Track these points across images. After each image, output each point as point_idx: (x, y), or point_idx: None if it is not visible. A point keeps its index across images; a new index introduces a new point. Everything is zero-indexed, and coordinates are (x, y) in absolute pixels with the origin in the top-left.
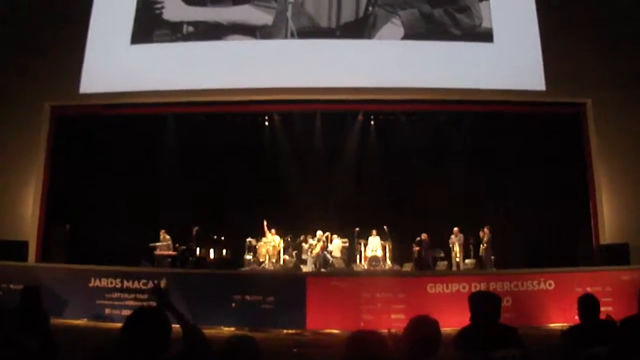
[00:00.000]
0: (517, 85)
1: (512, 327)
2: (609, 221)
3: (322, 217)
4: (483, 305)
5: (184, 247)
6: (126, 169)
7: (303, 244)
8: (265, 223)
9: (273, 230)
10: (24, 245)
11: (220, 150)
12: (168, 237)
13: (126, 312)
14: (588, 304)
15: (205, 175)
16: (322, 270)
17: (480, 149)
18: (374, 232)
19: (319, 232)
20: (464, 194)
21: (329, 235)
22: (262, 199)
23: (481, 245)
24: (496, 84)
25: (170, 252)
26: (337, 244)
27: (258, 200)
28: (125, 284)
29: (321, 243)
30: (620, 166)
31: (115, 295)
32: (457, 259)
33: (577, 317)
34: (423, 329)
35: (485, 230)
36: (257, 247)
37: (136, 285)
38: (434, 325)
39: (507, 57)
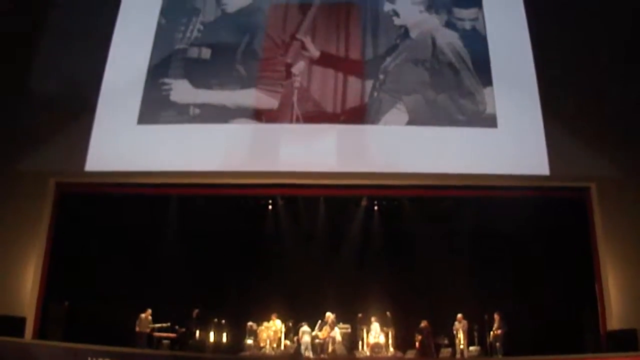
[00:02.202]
0: (521, 170)
1: None
2: (616, 306)
3: (324, 303)
4: None
5: (184, 329)
6: (128, 248)
7: (303, 329)
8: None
9: (274, 315)
10: (22, 321)
11: (223, 233)
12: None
13: None
14: None
15: (208, 257)
16: (324, 356)
17: (483, 233)
18: (373, 318)
19: (329, 314)
20: (468, 279)
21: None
22: (263, 283)
23: (492, 332)
24: (500, 169)
25: (170, 335)
26: (337, 330)
27: (260, 284)
28: None
29: (329, 327)
30: (626, 250)
31: None
32: (462, 346)
33: None
34: None
35: (496, 316)
36: (258, 331)
37: None
38: None
39: (511, 143)
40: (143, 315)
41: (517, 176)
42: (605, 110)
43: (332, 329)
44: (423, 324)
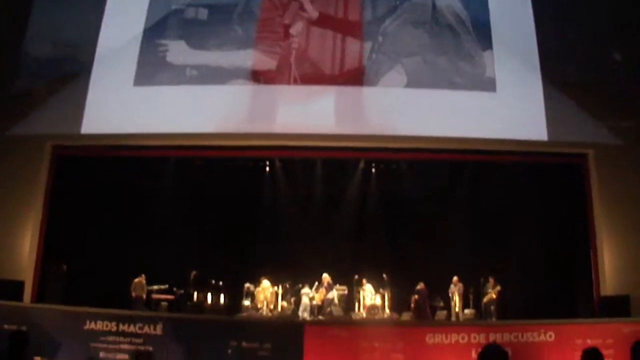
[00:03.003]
0: (519, 134)
1: None
2: (610, 272)
3: (321, 264)
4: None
5: (182, 291)
6: (126, 211)
7: (303, 291)
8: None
9: (264, 278)
10: (20, 285)
11: (221, 195)
12: (142, 280)
13: (121, 357)
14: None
15: (205, 219)
16: (320, 318)
17: (480, 198)
18: (364, 280)
19: (325, 275)
20: (464, 243)
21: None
22: (261, 245)
23: (486, 296)
24: (498, 133)
25: (168, 297)
26: (334, 292)
27: (257, 246)
28: (121, 327)
29: (324, 290)
30: (621, 217)
31: (111, 338)
32: (457, 309)
33: None
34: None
35: (491, 280)
36: (255, 293)
37: (132, 329)
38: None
39: (510, 107)
40: (137, 280)
41: (515, 141)
42: (605, 77)
43: (328, 290)
44: (419, 286)
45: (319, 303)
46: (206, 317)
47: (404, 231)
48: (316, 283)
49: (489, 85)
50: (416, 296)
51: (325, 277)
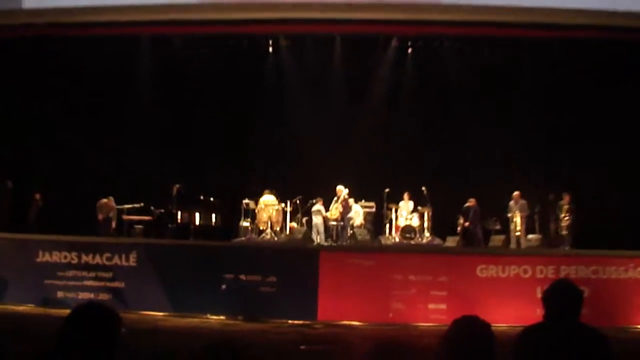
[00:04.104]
0: (605, 4)
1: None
2: None
3: (341, 174)
4: (564, 300)
5: (162, 211)
6: (87, 107)
7: (314, 208)
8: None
9: (268, 191)
10: None
11: (211, 85)
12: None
13: (85, 296)
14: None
15: (191, 117)
16: (340, 243)
17: (548, 85)
18: (407, 195)
19: (340, 188)
20: (528, 146)
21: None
22: (263, 149)
23: (560, 217)
24: (576, 2)
25: (144, 217)
26: (359, 210)
27: (258, 151)
28: (84, 258)
29: (340, 206)
30: None
31: (71, 273)
32: (518, 233)
33: None
34: (470, 338)
35: (565, 197)
36: (256, 211)
37: (97, 260)
38: (485, 331)
39: None
40: (104, 200)
41: (598, 12)
42: None
43: (345, 208)
44: (469, 202)
45: (335, 224)
46: (193, 243)
47: (449, 130)
48: (335, 198)
49: None
50: (464, 216)
51: (340, 189)
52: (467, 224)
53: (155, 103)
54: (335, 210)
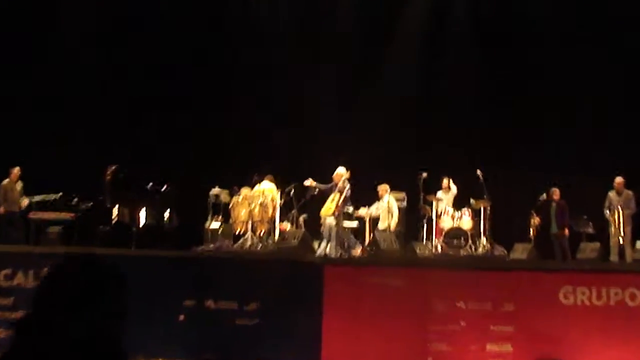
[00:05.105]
0: None
1: None
2: None
3: (355, 151)
4: None
5: (89, 205)
6: None
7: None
8: None
9: (266, 178)
10: None
11: (170, 23)
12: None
13: None
14: None
15: (132, 64)
16: (352, 254)
17: None
18: (448, 181)
19: (340, 171)
20: (630, 109)
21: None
22: (241, 116)
23: None
24: None
25: (64, 215)
26: (393, 204)
27: (234, 119)
28: None
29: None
30: None
31: None
32: (621, 240)
33: None
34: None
35: None
36: (231, 205)
37: None
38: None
39: None
40: (6, 180)
41: None
42: None
43: (344, 197)
44: (554, 192)
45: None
46: (136, 254)
47: (513, 84)
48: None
49: None
50: (539, 215)
51: (340, 173)
52: (545, 225)
53: (84, 42)
54: (332, 202)
